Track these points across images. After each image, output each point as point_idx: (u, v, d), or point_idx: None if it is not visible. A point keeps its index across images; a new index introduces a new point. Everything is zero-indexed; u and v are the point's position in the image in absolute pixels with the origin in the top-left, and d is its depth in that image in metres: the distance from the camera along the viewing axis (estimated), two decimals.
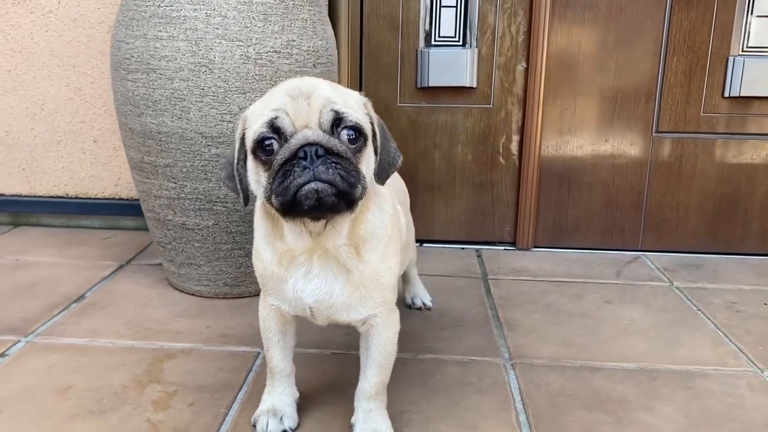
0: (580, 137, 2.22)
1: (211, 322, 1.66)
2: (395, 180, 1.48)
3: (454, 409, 1.31)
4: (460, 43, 2.18)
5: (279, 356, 1.23)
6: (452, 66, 2.18)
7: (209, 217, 1.69)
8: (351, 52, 2.19)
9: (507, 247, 2.32)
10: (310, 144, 0.94)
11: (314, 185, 0.93)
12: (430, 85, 2.19)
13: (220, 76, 1.56)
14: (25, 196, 2.42)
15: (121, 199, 2.40)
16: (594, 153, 2.23)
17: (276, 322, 1.21)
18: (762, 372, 1.48)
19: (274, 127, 0.95)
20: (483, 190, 2.29)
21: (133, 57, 1.60)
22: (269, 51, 1.58)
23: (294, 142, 0.94)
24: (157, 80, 1.58)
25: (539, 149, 2.22)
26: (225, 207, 1.68)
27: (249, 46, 1.56)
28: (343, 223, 1.03)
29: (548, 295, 1.89)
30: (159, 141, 1.63)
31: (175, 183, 1.66)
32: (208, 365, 1.45)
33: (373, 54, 2.21)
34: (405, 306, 1.78)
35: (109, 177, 2.39)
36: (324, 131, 0.95)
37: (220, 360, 1.48)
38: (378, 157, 1.02)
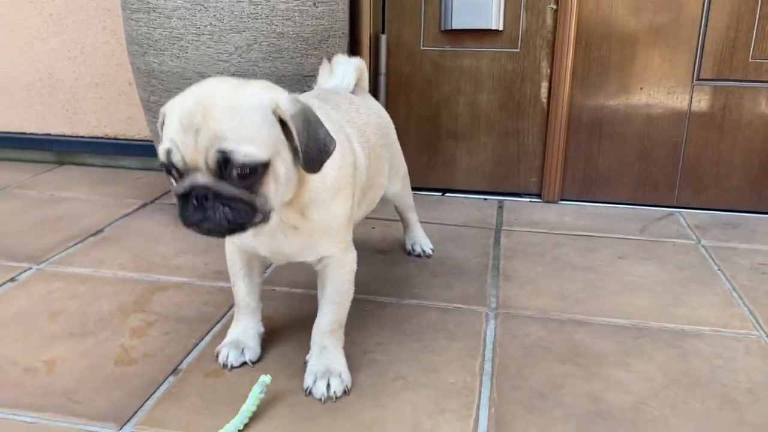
0: (613, 84, 2.09)
1: (210, 260, 1.70)
2: (378, 114, 1.45)
3: (422, 353, 1.29)
4: None
5: (244, 291, 1.25)
6: (477, 7, 2.09)
7: None
8: None
9: (533, 199, 2.24)
10: (198, 187, 0.90)
11: (206, 224, 0.92)
12: (454, 27, 2.11)
13: (215, 15, 1.56)
14: (69, 136, 2.54)
15: None
16: (627, 102, 2.10)
17: (240, 258, 1.22)
18: (767, 337, 1.37)
19: (169, 160, 0.91)
20: (509, 139, 2.21)
21: None
22: None
23: (185, 183, 0.91)
24: (156, 19, 1.60)
25: (569, 97, 2.11)
26: None
27: None
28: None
29: (558, 248, 1.82)
30: (161, 80, 1.66)
31: None
32: (194, 299, 1.50)
33: None
34: (405, 252, 1.77)
35: (144, 119, 2.46)
36: (213, 173, 0.89)
37: (208, 294, 1.52)
38: (302, 152, 0.93)
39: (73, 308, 1.45)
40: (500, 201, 2.22)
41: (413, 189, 1.73)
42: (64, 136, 2.54)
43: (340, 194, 1.10)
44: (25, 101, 2.54)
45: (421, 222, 1.80)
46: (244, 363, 1.24)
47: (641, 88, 2.08)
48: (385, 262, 1.71)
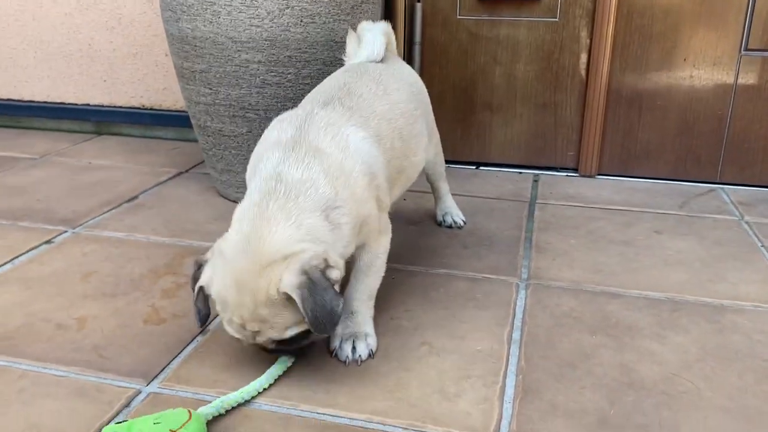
0: (655, 55, 2.02)
1: None
2: (410, 82, 1.42)
3: (449, 320, 1.28)
4: None
5: None
6: None
7: (243, 125, 1.71)
8: None
9: (569, 174, 2.19)
10: (265, 349, 1.09)
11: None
12: None
13: None
14: (106, 106, 2.57)
15: None
16: (670, 73, 2.02)
17: None
18: None
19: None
20: (545, 111, 2.16)
21: None
22: None
23: (254, 344, 1.08)
24: None
25: (608, 68, 2.05)
26: (257, 115, 1.69)
27: None
28: None
29: (594, 222, 1.78)
30: (194, 46, 1.66)
31: (210, 89, 1.70)
32: None
33: None
34: (436, 223, 1.75)
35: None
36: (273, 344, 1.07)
37: None
38: (309, 319, 0.98)
39: (106, 270, 1.47)
40: (536, 175, 2.18)
41: (446, 162, 1.71)
42: (102, 106, 2.57)
43: (362, 210, 1.11)
44: (64, 72, 2.58)
45: (453, 195, 1.78)
46: None
47: (685, 59, 2.00)
48: (415, 233, 1.69)
